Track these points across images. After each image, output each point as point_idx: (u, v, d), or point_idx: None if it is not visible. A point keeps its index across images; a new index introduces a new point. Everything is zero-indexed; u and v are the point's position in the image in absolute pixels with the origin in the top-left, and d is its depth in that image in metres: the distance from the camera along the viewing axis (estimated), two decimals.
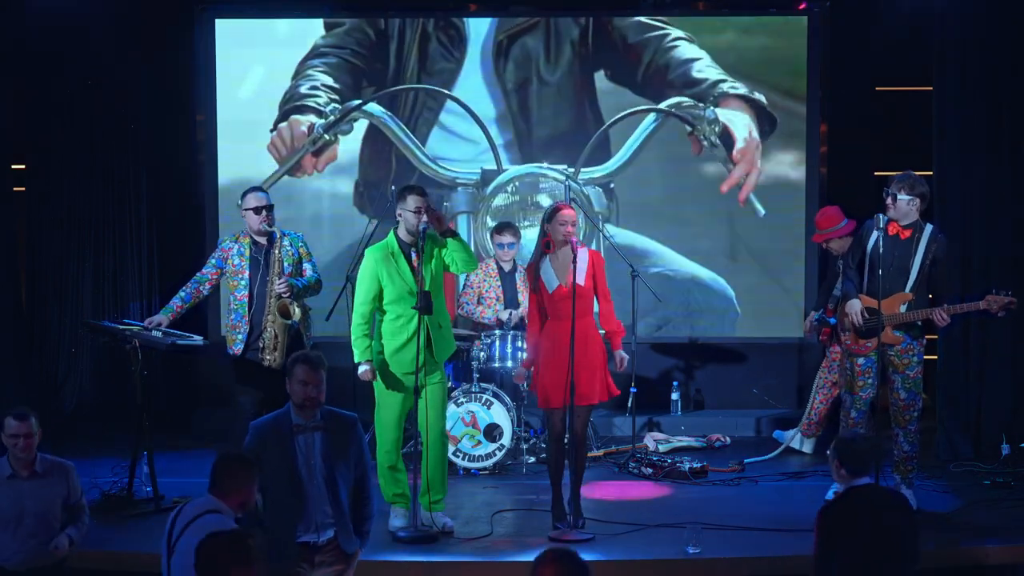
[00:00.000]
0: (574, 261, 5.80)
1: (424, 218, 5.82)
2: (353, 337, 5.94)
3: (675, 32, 8.66)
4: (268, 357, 6.31)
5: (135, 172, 8.60)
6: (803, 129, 8.66)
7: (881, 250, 6.04)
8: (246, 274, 6.39)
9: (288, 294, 6.30)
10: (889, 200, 6.08)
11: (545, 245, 5.95)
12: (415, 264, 5.83)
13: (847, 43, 8.51)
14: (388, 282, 5.89)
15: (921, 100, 7.96)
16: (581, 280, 5.90)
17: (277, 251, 6.35)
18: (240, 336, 6.37)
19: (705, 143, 8.56)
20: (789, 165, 8.72)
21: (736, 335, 8.80)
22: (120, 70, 8.47)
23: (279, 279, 6.30)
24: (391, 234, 5.96)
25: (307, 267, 6.51)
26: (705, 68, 8.67)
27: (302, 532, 4.67)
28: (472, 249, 6.06)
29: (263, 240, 6.41)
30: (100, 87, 8.46)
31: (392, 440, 5.90)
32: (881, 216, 6.15)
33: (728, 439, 8.07)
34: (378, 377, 5.92)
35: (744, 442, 8.09)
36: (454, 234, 5.85)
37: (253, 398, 6.26)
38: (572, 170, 7.87)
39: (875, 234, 6.13)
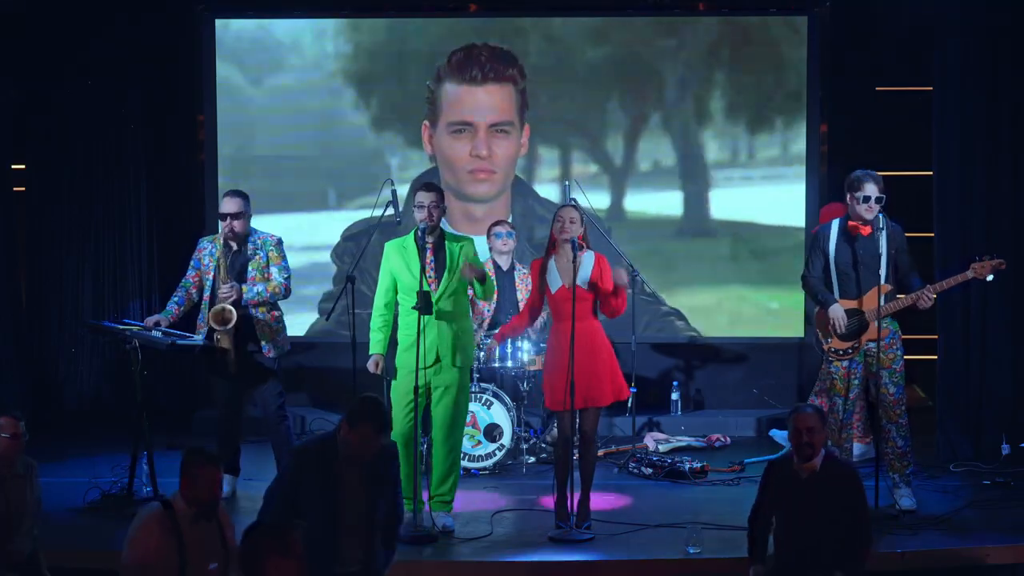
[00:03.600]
0: (574, 261, 5.81)
1: (425, 216, 5.84)
2: (370, 329, 6.06)
3: None
4: (226, 363, 6.41)
5: (135, 172, 8.62)
6: (803, 129, 8.70)
7: (860, 250, 6.13)
8: (211, 275, 6.48)
9: (231, 299, 6.34)
10: (863, 204, 6.10)
11: (551, 245, 6.01)
12: (426, 262, 5.85)
13: (847, 43, 8.51)
14: (399, 275, 5.98)
15: (922, 100, 7.96)
16: (583, 282, 5.92)
17: (242, 255, 6.45)
18: (201, 335, 6.48)
19: None
20: (789, 165, 8.77)
21: (736, 335, 8.82)
22: (120, 70, 8.48)
23: (225, 284, 6.35)
24: (414, 229, 6.03)
25: (273, 271, 6.54)
26: None
27: (334, 565, 4.64)
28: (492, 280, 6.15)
29: (235, 244, 6.49)
30: (100, 87, 8.48)
31: (398, 435, 5.89)
32: (835, 221, 6.24)
33: (728, 439, 8.08)
34: (395, 372, 5.98)
35: (744, 442, 8.09)
36: (483, 280, 5.91)
37: (226, 389, 6.44)
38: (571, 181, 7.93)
39: (833, 238, 6.21)
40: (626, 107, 8.79)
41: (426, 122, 8.80)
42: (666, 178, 8.83)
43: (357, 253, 7.38)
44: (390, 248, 6.03)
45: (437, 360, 5.90)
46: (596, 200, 8.47)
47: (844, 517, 4.87)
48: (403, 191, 8.47)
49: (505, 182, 8.84)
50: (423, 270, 5.85)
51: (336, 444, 4.70)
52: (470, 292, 6.18)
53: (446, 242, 5.98)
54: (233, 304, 6.36)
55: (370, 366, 6.01)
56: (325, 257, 8.86)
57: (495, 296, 7.39)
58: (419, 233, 5.87)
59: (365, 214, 8.59)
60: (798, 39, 8.63)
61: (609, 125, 8.81)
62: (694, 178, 8.82)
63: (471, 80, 8.72)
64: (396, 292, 5.99)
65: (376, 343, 6.00)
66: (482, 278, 5.92)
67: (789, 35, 8.68)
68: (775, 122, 8.73)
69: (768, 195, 8.76)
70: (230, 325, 6.32)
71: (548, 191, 8.86)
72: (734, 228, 8.77)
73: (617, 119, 8.79)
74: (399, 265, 5.96)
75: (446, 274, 5.92)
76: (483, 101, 8.77)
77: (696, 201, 8.83)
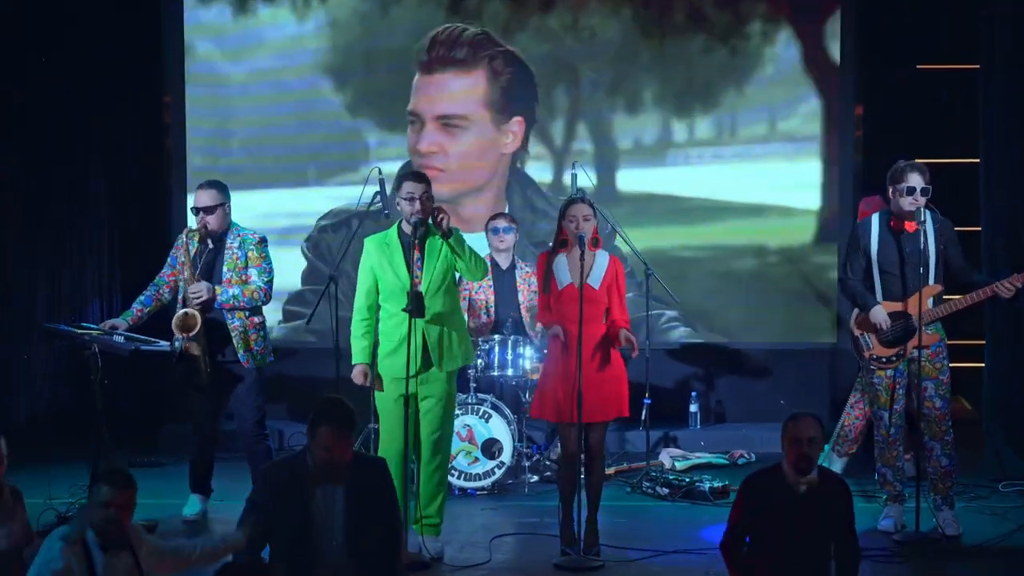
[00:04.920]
0: (581, 259, 5.83)
1: (417, 208, 5.83)
2: (351, 336, 6.01)
3: None
4: (197, 374, 6.39)
5: (95, 159, 8.63)
6: (837, 112, 8.72)
7: (906, 248, 6.15)
8: (185, 274, 6.46)
9: (201, 302, 6.33)
10: (907, 197, 6.12)
11: (560, 242, 6.00)
12: (412, 259, 5.83)
13: (885, 17, 8.53)
14: (381, 275, 5.93)
15: (967, 79, 7.97)
16: (594, 282, 5.94)
17: (218, 253, 6.44)
18: (177, 343, 6.44)
19: None
20: (821, 153, 8.77)
21: (761, 340, 8.84)
22: (79, 48, 8.50)
23: (193, 286, 6.33)
24: (396, 223, 6.02)
25: (252, 273, 6.52)
26: None
27: None
28: (480, 255, 6.07)
29: (210, 241, 6.47)
30: (57, 65, 8.47)
31: (394, 452, 5.85)
32: (874, 217, 6.26)
33: (753, 455, 8.08)
34: (380, 383, 5.96)
35: (770, 458, 7.80)
36: (449, 234, 5.83)
37: (203, 401, 6.43)
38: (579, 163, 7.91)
39: (875, 235, 6.23)
40: (639, 84, 8.80)
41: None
42: (675, 156, 8.84)
43: (339, 249, 7.38)
44: (371, 245, 5.98)
45: (425, 366, 5.89)
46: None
47: (839, 532, 4.88)
48: (393, 168, 8.53)
49: (466, 181, 8.80)
50: (410, 268, 5.84)
51: (306, 462, 4.68)
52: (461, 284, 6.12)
53: (430, 236, 5.93)
54: (203, 307, 6.35)
55: (356, 378, 5.98)
56: (293, 250, 8.86)
57: (486, 273, 7.26)
58: (410, 227, 5.84)
59: (347, 192, 8.62)
60: (831, 14, 8.67)
61: (617, 105, 8.84)
62: (706, 157, 8.83)
63: (428, 67, 8.72)
64: (378, 293, 5.97)
65: (360, 351, 5.96)
66: (448, 231, 5.79)
67: (821, 9, 8.71)
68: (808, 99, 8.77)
69: (797, 185, 8.81)
70: (194, 332, 6.31)
71: (545, 174, 8.88)
72: (755, 215, 8.81)
73: (623, 99, 8.80)
74: (381, 263, 5.93)
75: (433, 269, 5.90)
76: (434, 90, 8.75)
77: (708, 182, 8.82)
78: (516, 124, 8.80)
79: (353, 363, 5.98)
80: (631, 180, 8.84)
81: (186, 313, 6.30)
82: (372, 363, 5.97)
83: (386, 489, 4.81)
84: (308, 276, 8.85)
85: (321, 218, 8.87)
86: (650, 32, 8.73)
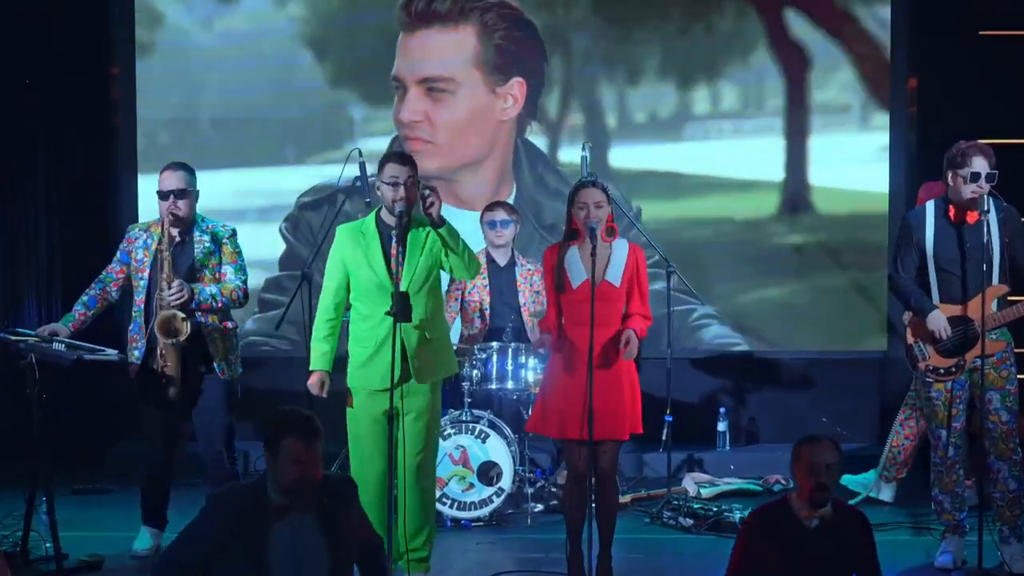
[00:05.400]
0: (593, 253, 5.76)
1: (400, 194, 5.74)
2: (312, 338, 5.98)
3: None
4: (168, 388, 6.36)
5: (31, 140, 8.64)
6: (886, 86, 8.69)
7: (968, 242, 6.12)
8: (146, 273, 6.43)
9: (180, 303, 6.28)
10: (971, 184, 6.08)
11: (571, 233, 5.95)
12: (394, 254, 5.78)
13: None
14: (354, 270, 5.87)
15: None
16: (614, 279, 5.88)
17: (188, 248, 6.41)
18: (136, 352, 6.43)
19: None
20: (869, 131, 8.77)
21: (800, 347, 8.82)
22: (15, 13, 8.49)
23: (169, 285, 6.29)
24: (374, 212, 5.96)
25: (227, 270, 6.52)
26: None
27: None
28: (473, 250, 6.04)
29: (177, 232, 6.44)
30: None
31: (373, 478, 5.84)
32: (929, 205, 6.24)
33: (790, 481, 7.93)
34: (351, 397, 5.92)
35: None
36: (440, 223, 5.76)
37: (159, 419, 6.42)
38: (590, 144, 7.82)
39: (930, 227, 6.21)
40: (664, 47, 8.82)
41: None
42: (693, 130, 8.87)
43: (315, 239, 7.34)
44: (344, 234, 5.93)
45: (404, 377, 5.80)
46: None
47: (858, 572, 4.86)
48: (380, 145, 8.55)
49: (456, 153, 8.79)
50: (389, 263, 5.78)
51: (266, 491, 4.60)
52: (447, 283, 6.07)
53: (412, 226, 5.85)
54: (183, 310, 6.31)
55: (312, 387, 5.93)
56: (271, 233, 8.87)
57: (480, 268, 7.17)
58: (393, 217, 5.77)
59: (330, 171, 8.60)
60: None
61: (639, 70, 8.84)
62: (737, 132, 8.88)
63: (410, 24, 8.72)
64: (349, 291, 5.91)
65: (320, 356, 5.91)
66: (440, 220, 5.72)
67: None
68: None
69: (840, 170, 8.79)
70: (182, 337, 6.28)
71: (561, 154, 8.89)
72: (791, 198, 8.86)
73: (646, 62, 8.81)
74: (355, 256, 5.86)
75: (415, 265, 5.82)
76: (416, 50, 8.76)
77: (737, 161, 8.84)
78: (516, 87, 8.77)
79: (311, 369, 5.94)
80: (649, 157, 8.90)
81: (174, 315, 6.28)
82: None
83: (359, 510, 4.81)
84: (287, 260, 8.87)
85: (302, 195, 8.90)
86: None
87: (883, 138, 8.75)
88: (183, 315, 6.28)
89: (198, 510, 4.69)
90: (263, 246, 8.68)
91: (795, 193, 8.83)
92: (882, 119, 8.76)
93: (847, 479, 7.78)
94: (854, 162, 8.79)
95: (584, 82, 8.87)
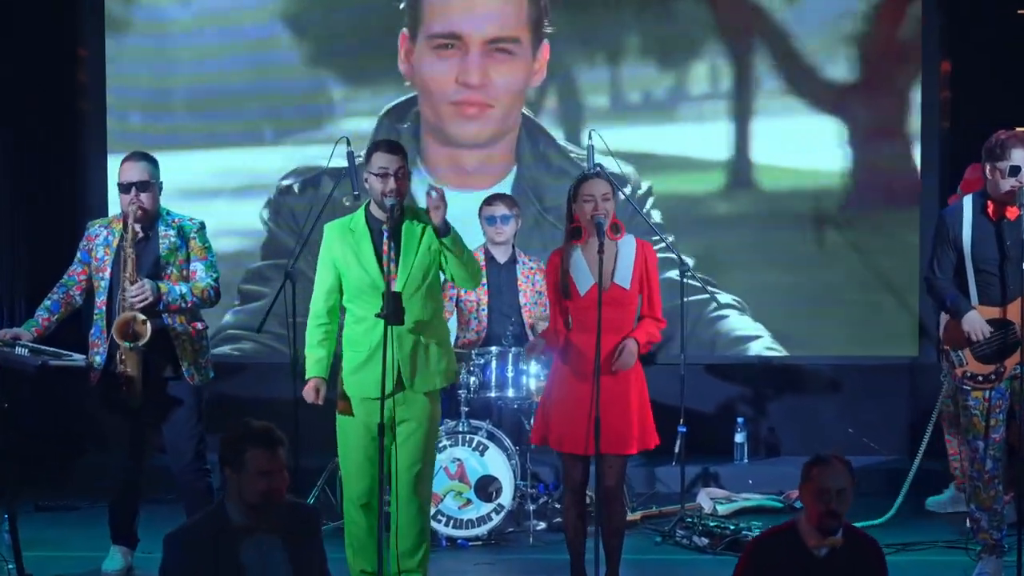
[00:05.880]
0: (600, 251, 5.76)
1: (391, 186, 5.79)
2: (307, 345, 6.00)
3: None
4: (128, 395, 6.37)
5: None
6: (916, 69, 8.77)
7: (1007, 240, 6.15)
8: (108, 272, 6.43)
9: (145, 304, 6.29)
10: (1010, 178, 6.10)
11: (573, 232, 5.95)
12: (385, 251, 5.78)
13: None
14: (345, 270, 5.92)
15: None
16: (623, 280, 5.90)
17: (152, 244, 6.41)
18: (98, 358, 6.42)
19: None
20: (896, 119, 8.81)
21: (825, 351, 8.85)
22: None
23: (132, 285, 6.30)
24: (364, 205, 5.99)
25: (198, 267, 6.51)
26: None
27: None
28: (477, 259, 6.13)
29: (140, 228, 6.43)
30: None
31: (361, 492, 5.89)
32: (966, 200, 6.26)
33: None
34: (348, 405, 5.95)
35: None
36: (445, 231, 5.79)
37: (125, 430, 6.41)
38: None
39: (967, 224, 6.23)
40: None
41: (404, 31, 8.84)
42: (715, 112, 8.94)
43: (298, 227, 7.36)
44: (332, 233, 5.95)
45: (400, 385, 5.85)
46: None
47: None
48: (361, 126, 8.57)
49: (505, 121, 8.86)
50: (383, 261, 5.78)
51: (226, 514, 4.62)
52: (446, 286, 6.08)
53: (405, 220, 5.88)
54: (145, 311, 6.31)
55: (307, 394, 5.97)
56: (251, 217, 8.90)
57: (482, 281, 7.25)
58: (389, 212, 5.78)
59: (311, 152, 8.69)
60: None
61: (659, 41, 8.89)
62: (755, 112, 8.95)
63: None
64: (342, 293, 5.96)
65: (315, 363, 5.93)
66: (445, 222, 5.75)
67: None
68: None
69: (866, 160, 8.85)
70: (143, 340, 6.27)
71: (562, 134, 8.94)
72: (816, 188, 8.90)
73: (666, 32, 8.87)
74: (345, 256, 5.90)
75: (411, 263, 5.86)
76: (480, 5, 8.76)
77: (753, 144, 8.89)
78: (544, 52, 8.84)
79: (307, 377, 5.97)
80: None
81: (134, 317, 6.27)
82: (336, 379, 5.97)
83: (322, 546, 4.81)
84: (270, 248, 8.91)
85: (283, 178, 8.93)
86: None
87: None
88: (143, 317, 6.26)
89: (172, 527, 4.72)
90: (241, 231, 8.79)
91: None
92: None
93: (931, 501, 7.80)
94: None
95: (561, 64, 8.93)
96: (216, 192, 8.67)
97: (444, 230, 5.78)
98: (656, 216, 8.75)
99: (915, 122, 8.79)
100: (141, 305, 6.28)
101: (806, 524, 4.77)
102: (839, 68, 8.85)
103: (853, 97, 8.87)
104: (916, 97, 8.78)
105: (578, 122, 8.87)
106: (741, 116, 8.88)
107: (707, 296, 8.22)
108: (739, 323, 8.90)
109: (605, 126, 8.06)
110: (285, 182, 8.91)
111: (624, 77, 8.93)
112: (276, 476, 4.57)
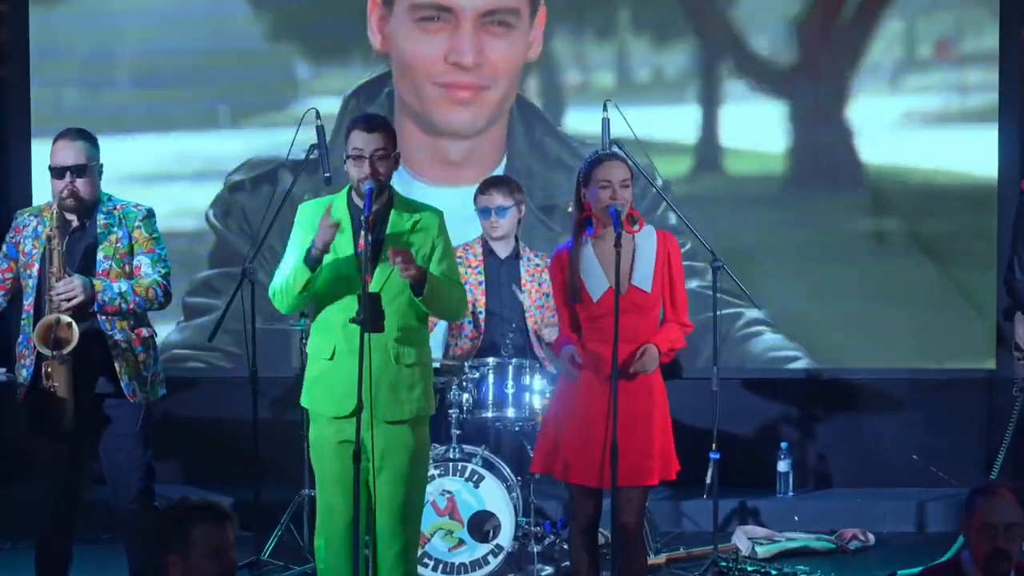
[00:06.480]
0: (617, 244, 5.72)
1: (365, 171, 5.74)
2: (284, 283, 5.82)
3: None
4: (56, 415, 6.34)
5: None
6: (993, 42, 8.84)
7: None
8: (36, 268, 6.41)
9: (73, 304, 6.25)
10: None
11: (584, 223, 5.92)
12: (362, 245, 5.75)
13: None
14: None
15: None
16: (643, 282, 5.87)
17: (88, 235, 6.39)
18: (25, 372, 6.41)
19: None
20: (969, 95, 8.90)
21: (885, 364, 8.87)
22: None
23: (60, 283, 6.27)
24: (347, 187, 5.95)
25: (142, 261, 6.49)
26: None
27: None
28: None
29: (75, 217, 6.42)
30: None
31: (340, 529, 5.84)
32: None
33: (872, 537, 8.09)
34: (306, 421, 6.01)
35: (898, 542, 8.17)
36: (420, 288, 5.72)
37: (57, 456, 6.37)
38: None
39: None
40: None
41: None
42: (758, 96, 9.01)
43: (252, 230, 7.34)
44: (308, 212, 5.92)
45: (362, 406, 5.73)
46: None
47: None
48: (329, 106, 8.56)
49: (501, 106, 8.88)
50: (360, 258, 5.74)
51: None
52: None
53: (392, 211, 5.86)
54: (76, 313, 6.27)
55: (323, 232, 5.70)
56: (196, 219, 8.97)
57: (468, 310, 7.28)
58: (366, 198, 5.73)
59: (271, 137, 8.70)
60: None
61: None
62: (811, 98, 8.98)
63: None
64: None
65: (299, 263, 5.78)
66: (419, 277, 5.70)
67: None
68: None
69: (931, 146, 8.94)
70: (69, 348, 6.22)
71: (571, 119, 8.96)
72: (878, 181, 8.96)
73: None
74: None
75: (396, 262, 5.76)
76: None
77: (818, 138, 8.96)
78: (540, 18, 8.90)
79: (304, 262, 5.76)
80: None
81: (59, 321, 6.22)
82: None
83: None
84: (219, 255, 8.96)
85: (231, 172, 8.97)
86: None
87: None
88: (68, 320, 6.22)
89: (111, 571, 4.69)
90: (190, 233, 8.86)
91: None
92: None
93: None
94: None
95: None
96: (170, 180, 8.78)
97: (419, 289, 5.73)
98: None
99: (993, 96, 8.83)
100: (69, 305, 6.22)
101: (972, 564, 4.85)
102: None
103: None
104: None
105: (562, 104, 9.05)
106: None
107: (734, 311, 8.39)
108: (775, 341, 8.95)
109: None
110: (235, 177, 8.94)
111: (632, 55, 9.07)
112: (229, 555, 4.59)
